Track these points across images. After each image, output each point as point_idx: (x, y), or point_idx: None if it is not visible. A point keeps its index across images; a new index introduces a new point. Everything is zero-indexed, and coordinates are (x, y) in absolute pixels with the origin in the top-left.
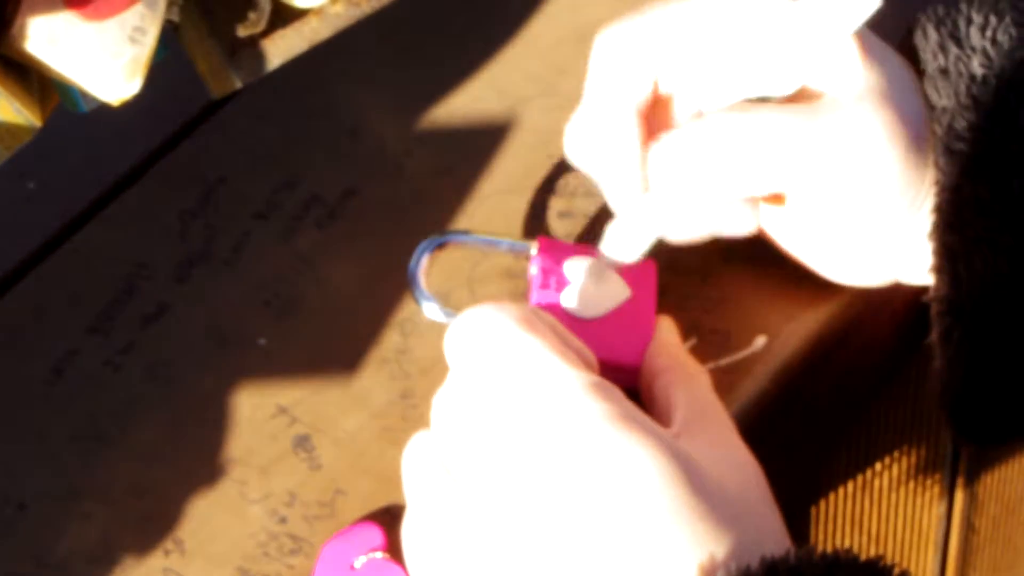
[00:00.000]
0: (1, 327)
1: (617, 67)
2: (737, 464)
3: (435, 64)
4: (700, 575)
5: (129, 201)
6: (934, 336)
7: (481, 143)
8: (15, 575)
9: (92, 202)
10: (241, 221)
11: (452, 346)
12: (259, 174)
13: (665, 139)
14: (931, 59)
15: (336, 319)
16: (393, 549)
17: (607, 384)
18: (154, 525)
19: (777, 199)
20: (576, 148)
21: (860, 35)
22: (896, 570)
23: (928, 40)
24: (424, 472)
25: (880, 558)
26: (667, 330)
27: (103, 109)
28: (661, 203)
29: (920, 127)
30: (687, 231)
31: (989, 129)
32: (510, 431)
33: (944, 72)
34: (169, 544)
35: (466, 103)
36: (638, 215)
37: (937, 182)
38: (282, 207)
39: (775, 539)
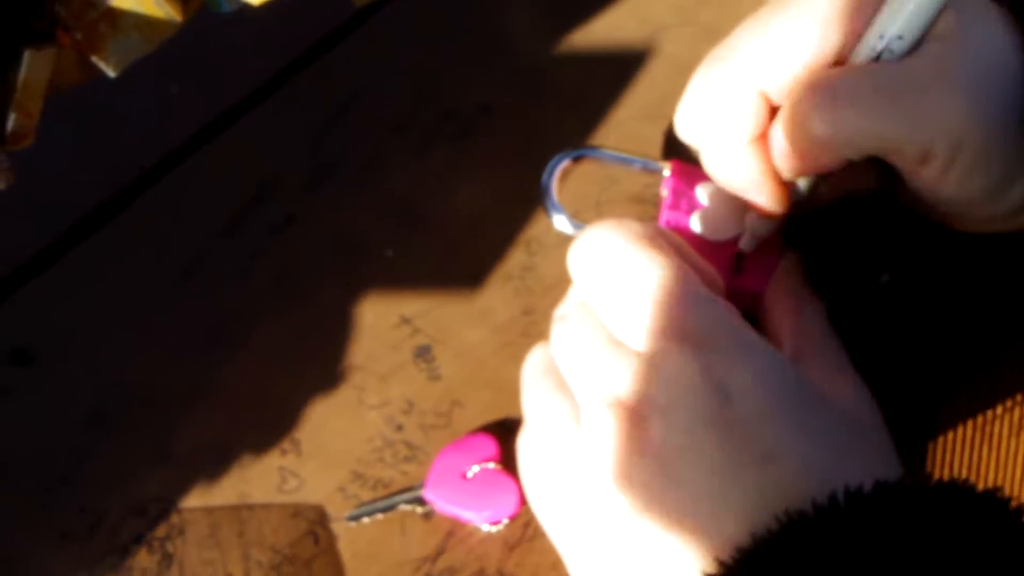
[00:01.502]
0: (135, 227)
1: (726, 104)
2: (848, 392)
3: None
4: (807, 490)
5: (266, 110)
6: None
7: (619, 68)
8: (137, 469)
9: (230, 109)
10: (375, 134)
11: (575, 260)
12: (396, 88)
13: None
14: None
15: (463, 235)
16: (507, 460)
17: (725, 302)
18: (272, 425)
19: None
20: (692, 133)
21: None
22: (1014, 503)
23: None
24: (541, 386)
25: (998, 489)
26: (791, 263)
27: (247, 13)
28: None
29: (1013, 91)
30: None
31: None
32: (627, 347)
33: None
34: (287, 444)
35: (606, 29)
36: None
37: None
38: (417, 122)
39: (888, 467)
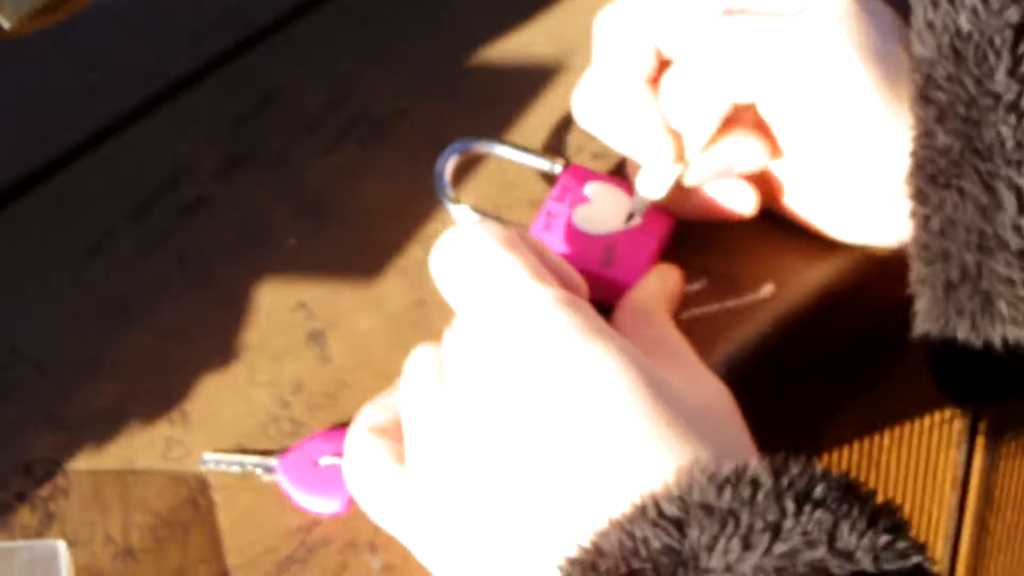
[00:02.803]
0: (47, 205)
1: (620, 42)
2: (702, 386)
3: (494, 5)
4: (667, 478)
5: (186, 101)
6: (911, 282)
7: (531, 80)
8: (26, 430)
9: (149, 99)
10: (289, 131)
11: (436, 263)
12: (313, 89)
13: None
14: (921, 12)
15: (365, 229)
16: None
17: (576, 299)
18: (163, 397)
19: (776, 152)
20: (588, 116)
21: None
22: (896, 506)
23: None
24: (419, 376)
25: (846, 474)
26: (658, 274)
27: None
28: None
29: (894, 60)
30: (704, 168)
31: (964, 82)
32: (490, 344)
33: (931, 25)
34: (175, 415)
35: (519, 44)
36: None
37: (912, 127)
38: (330, 121)
39: (745, 454)
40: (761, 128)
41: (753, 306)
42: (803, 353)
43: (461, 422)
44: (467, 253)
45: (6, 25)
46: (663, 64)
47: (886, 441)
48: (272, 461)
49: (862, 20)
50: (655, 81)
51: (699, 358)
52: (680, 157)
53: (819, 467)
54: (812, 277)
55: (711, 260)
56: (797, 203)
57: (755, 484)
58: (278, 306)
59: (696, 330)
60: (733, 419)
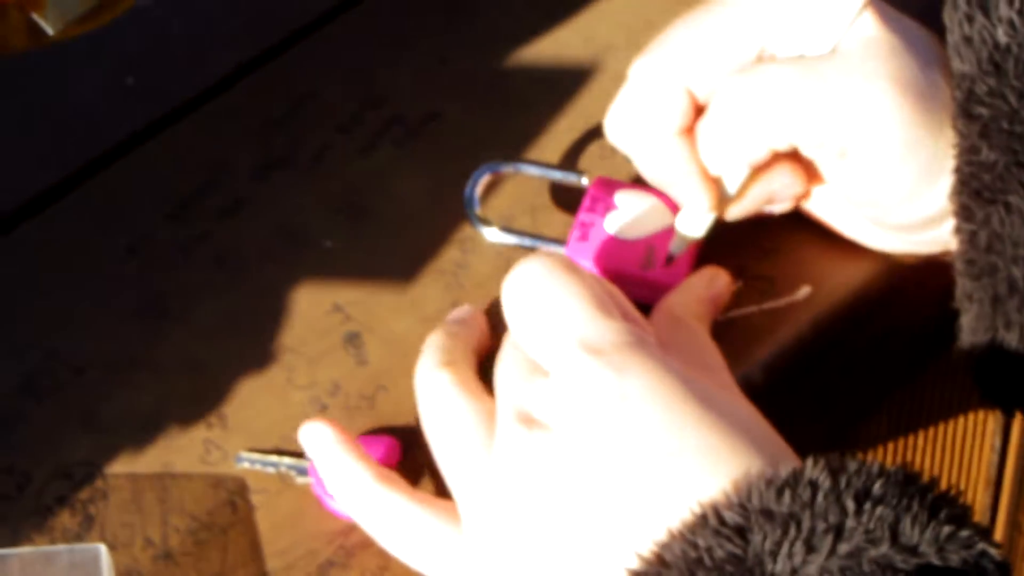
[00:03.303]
0: (85, 207)
1: (655, 92)
2: (735, 394)
3: (527, 8)
4: (724, 486)
5: (222, 104)
6: (957, 297)
7: (565, 83)
8: (65, 433)
9: (186, 101)
10: (324, 133)
11: (506, 299)
12: (347, 91)
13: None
14: (957, 28)
15: (401, 231)
16: (404, 469)
17: (624, 317)
18: (201, 400)
19: (815, 177)
20: (622, 143)
21: (875, 4)
22: (956, 493)
23: (957, 10)
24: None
25: (903, 467)
26: (703, 277)
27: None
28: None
29: (934, 88)
30: (744, 205)
31: (1006, 95)
32: (540, 370)
33: (968, 40)
34: (213, 418)
35: (552, 46)
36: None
37: (955, 144)
38: (365, 123)
39: (794, 458)
40: (801, 159)
41: (790, 308)
42: (840, 354)
43: (550, 464)
44: (527, 286)
45: (50, 31)
46: (698, 109)
47: (920, 441)
48: (306, 462)
49: (899, 54)
50: (690, 129)
51: (727, 366)
52: (718, 205)
53: (876, 463)
54: (849, 279)
55: (748, 261)
56: (835, 220)
57: (814, 486)
58: (314, 308)
59: (733, 332)
60: (768, 426)
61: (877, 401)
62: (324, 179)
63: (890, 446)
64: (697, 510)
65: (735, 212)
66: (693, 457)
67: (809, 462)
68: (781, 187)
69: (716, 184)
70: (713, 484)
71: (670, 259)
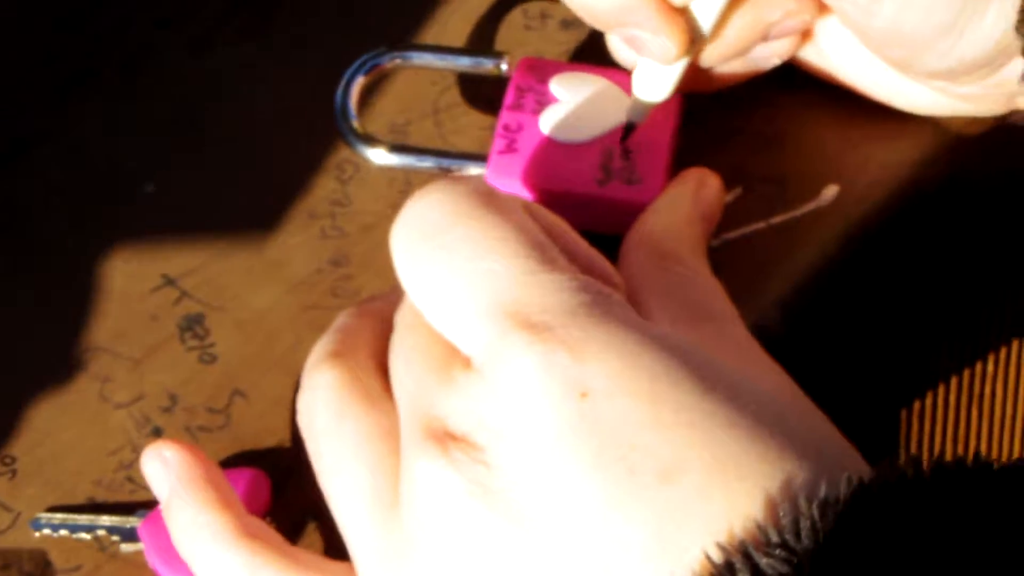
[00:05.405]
0: None
1: None
2: (753, 359)
3: None
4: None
5: None
6: None
7: None
8: None
9: None
10: (138, 30)
11: (394, 249)
12: None
13: None
14: None
15: (252, 159)
16: (276, 511)
17: (577, 271)
18: None
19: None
20: None
21: None
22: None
23: None
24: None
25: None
26: (683, 186)
27: None
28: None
29: None
30: (727, 40)
31: None
32: (459, 356)
33: None
34: None
35: None
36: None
37: None
38: (194, 11)
39: (837, 447)
40: None
41: (810, 218)
42: (882, 277)
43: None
44: (429, 231)
45: None
46: None
47: (990, 368)
48: (134, 521)
49: None
50: None
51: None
52: (686, 45)
53: (924, 463)
54: (889, 169)
55: (744, 158)
56: (852, 71)
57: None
58: (135, 286)
59: (734, 261)
60: (811, 406)
61: (938, 337)
62: (140, 96)
63: (951, 389)
64: (718, 559)
65: (712, 55)
66: (700, 478)
67: (855, 474)
68: (778, 14)
69: (682, 16)
70: (736, 513)
71: (626, 145)
